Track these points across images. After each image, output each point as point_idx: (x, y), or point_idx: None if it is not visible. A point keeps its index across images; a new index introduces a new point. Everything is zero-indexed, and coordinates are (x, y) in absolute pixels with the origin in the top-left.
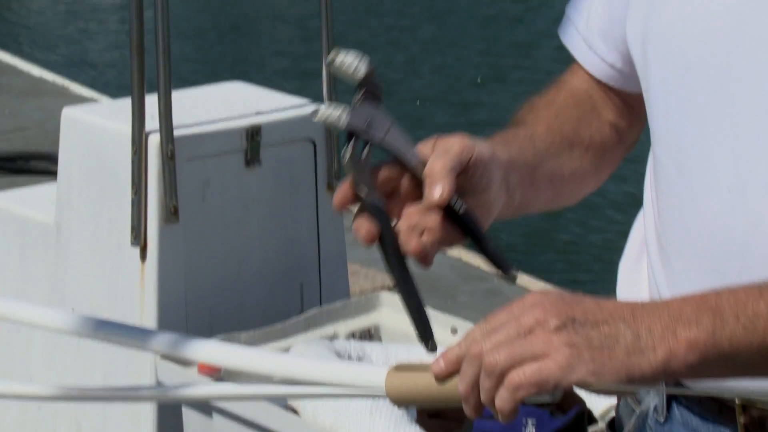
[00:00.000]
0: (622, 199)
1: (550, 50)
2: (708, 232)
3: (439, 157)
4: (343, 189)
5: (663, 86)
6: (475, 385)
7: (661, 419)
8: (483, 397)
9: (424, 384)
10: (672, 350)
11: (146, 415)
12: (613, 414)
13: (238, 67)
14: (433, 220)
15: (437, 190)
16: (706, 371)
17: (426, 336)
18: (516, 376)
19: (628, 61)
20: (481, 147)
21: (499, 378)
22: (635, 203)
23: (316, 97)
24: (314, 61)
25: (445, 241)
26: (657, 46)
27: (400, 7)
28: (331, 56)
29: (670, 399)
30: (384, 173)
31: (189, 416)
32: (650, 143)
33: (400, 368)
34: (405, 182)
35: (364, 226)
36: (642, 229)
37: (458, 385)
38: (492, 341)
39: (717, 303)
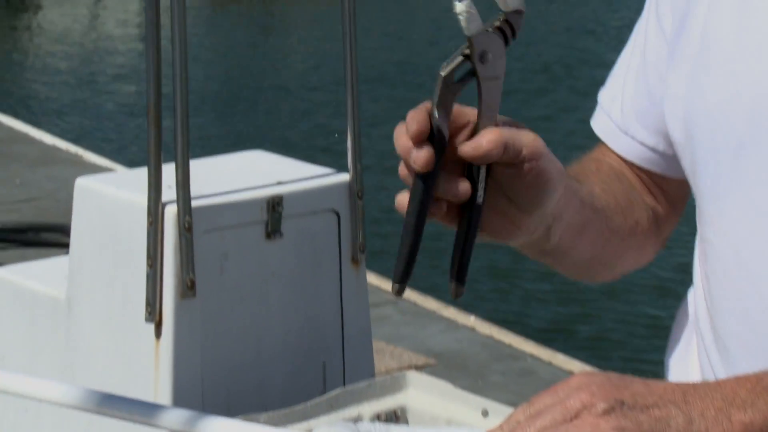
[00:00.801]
0: (648, 282)
1: (573, 123)
2: None
3: (506, 130)
4: (420, 112)
5: (713, 166)
6: None
7: None
8: None
9: None
10: None
11: None
12: None
13: (258, 137)
14: (462, 189)
15: (472, 145)
16: None
17: (401, 278)
18: None
19: (670, 143)
20: (553, 162)
21: None
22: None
23: (341, 167)
24: (338, 128)
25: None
26: (703, 125)
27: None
28: None
29: None
30: (460, 113)
31: None
32: (696, 226)
33: None
34: (464, 136)
35: (428, 154)
36: (688, 316)
37: None
38: (537, 426)
39: None
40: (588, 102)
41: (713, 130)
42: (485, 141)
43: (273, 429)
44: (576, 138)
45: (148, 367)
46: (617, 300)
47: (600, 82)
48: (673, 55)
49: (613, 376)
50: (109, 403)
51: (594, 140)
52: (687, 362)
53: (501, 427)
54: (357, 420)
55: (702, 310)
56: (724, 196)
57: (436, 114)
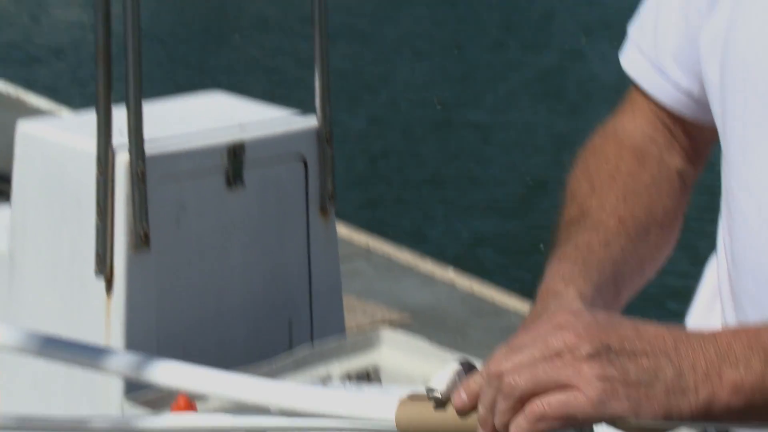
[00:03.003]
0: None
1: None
2: None
3: None
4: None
5: (743, 114)
6: (494, 409)
7: None
8: (497, 420)
9: (441, 414)
10: (715, 393)
11: None
12: None
13: (218, 77)
14: None
15: None
16: (752, 416)
17: None
18: (539, 406)
19: (702, 86)
20: None
21: (518, 403)
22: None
23: (307, 108)
24: (305, 68)
25: None
26: (737, 67)
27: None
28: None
29: None
30: None
31: None
32: (722, 176)
33: (413, 398)
34: None
35: None
36: (715, 276)
37: (479, 409)
38: (514, 361)
39: None
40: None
41: (744, 76)
42: None
43: (242, 374)
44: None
45: (98, 324)
46: None
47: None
48: None
49: (601, 317)
50: (55, 347)
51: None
52: (708, 326)
53: (480, 372)
54: (326, 380)
55: (723, 270)
56: (751, 146)
57: None
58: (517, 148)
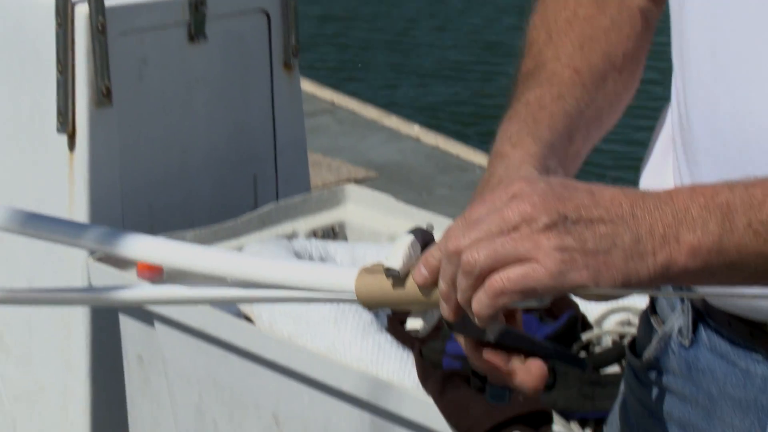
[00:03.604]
0: None
1: None
2: (743, 129)
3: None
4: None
5: None
6: (455, 285)
7: (686, 343)
8: (459, 297)
9: (401, 289)
10: (672, 256)
11: (78, 325)
12: (616, 326)
13: None
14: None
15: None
16: (709, 278)
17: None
18: (498, 281)
19: None
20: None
21: (478, 279)
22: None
23: None
24: None
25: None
26: None
27: None
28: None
29: (697, 320)
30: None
31: (128, 326)
32: (673, 19)
33: (373, 268)
34: None
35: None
36: (668, 128)
37: (439, 284)
38: (471, 237)
39: (728, 201)
40: None
41: None
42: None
43: (201, 246)
44: None
45: (61, 182)
46: None
47: None
48: None
49: (556, 184)
50: (21, 221)
51: None
52: (661, 180)
53: (438, 245)
54: (291, 237)
55: (676, 121)
56: None
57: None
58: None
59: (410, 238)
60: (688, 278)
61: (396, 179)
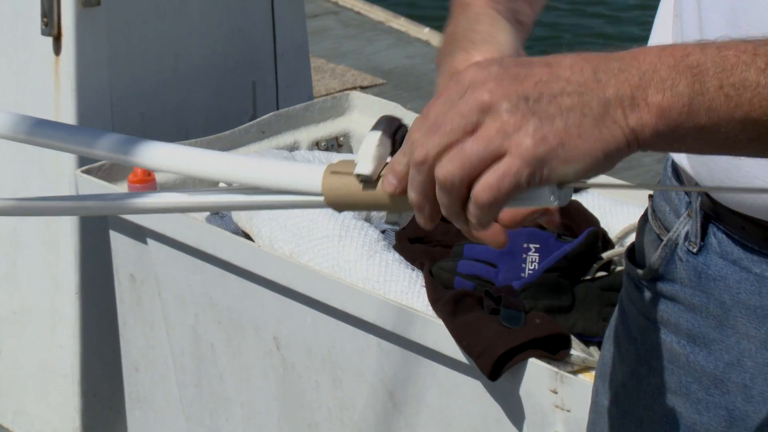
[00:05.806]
0: None
1: None
2: None
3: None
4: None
5: None
6: (427, 194)
7: (695, 249)
8: (445, 212)
9: (371, 193)
10: (643, 119)
11: (67, 243)
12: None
13: None
14: None
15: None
16: (680, 145)
17: None
18: (482, 194)
19: None
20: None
21: (460, 192)
22: None
23: None
24: None
25: None
26: None
27: None
28: None
29: (706, 224)
30: None
31: (119, 243)
32: None
33: (340, 169)
34: None
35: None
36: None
37: (409, 194)
38: (435, 141)
39: (699, 62)
40: None
41: None
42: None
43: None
44: None
45: (46, 87)
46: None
47: None
48: None
49: (509, 64)
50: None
51: None
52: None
53: (403, 150)
54: (293, 148)
55: None
56: None
57: None
58: None
59: (377, 135)
60: (659, 144)
61: (404, 86)
